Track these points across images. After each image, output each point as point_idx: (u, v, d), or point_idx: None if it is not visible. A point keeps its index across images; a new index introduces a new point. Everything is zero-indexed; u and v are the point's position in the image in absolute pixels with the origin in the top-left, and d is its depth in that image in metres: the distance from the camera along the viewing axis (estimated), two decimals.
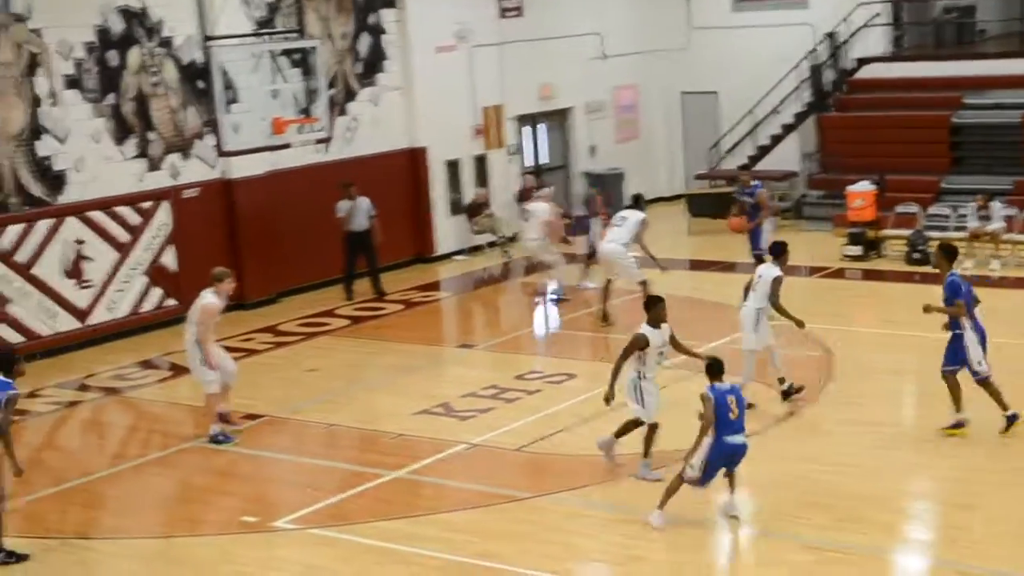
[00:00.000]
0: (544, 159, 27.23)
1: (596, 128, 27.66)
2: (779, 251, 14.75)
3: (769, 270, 14.59)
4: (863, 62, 26.78)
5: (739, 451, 11.49)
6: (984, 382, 13.30)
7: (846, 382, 15.32)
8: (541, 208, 20.87)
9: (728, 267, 22.00)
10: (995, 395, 13.31)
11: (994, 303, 18.98)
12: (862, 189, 22.45)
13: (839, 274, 20.98)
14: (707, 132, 28.52)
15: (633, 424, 12.89)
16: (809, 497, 11.99)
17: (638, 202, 19.08)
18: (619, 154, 27.97)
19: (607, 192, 27.14)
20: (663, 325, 12.64)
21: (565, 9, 26.67)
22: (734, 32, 28.03)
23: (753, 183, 20.98)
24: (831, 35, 26.56)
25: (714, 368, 11.60)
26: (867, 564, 10.75)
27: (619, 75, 27.95)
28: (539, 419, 14.62)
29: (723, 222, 22.40)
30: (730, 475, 11.66)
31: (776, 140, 27.11)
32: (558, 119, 27.32)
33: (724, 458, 11.49)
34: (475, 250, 24.41)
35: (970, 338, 13.25)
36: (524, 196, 25.24)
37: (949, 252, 13.57)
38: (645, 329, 12.57)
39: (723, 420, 11.35)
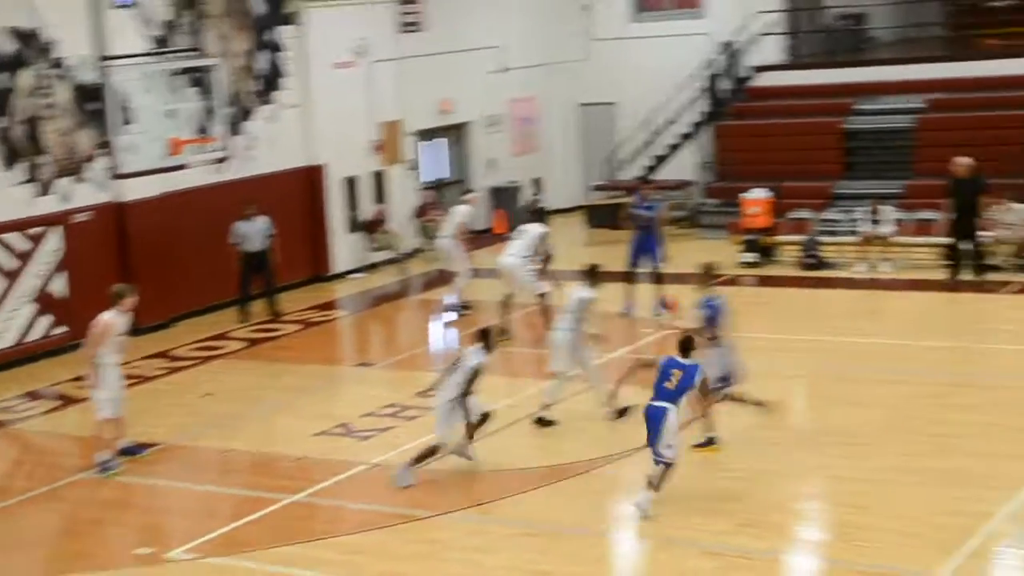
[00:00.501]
0: (443, 174, 27.17)
1: (494, 142, 27.67)
2: (594, 274, 14.83)
3: (581, 292, 14.56)
4: (759, 70, 27.09)
5: (653, 415, 11.82)
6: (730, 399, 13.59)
7: (743, 387, 15.36)
8: (461, 210, 20.65)
9: (624, 276, 22.03)
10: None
11: (885, 305, 19.42)
12: (757, 197, 22.69)
13: (735, 281, 21.17)
14: (605, 143, 28.67)
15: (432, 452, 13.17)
16: (708, 504, 12.04)
17: (538, 215, 19.06)
18: (518, 167, 28.00)
19: (504, 205, 27.34)
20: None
21: (464, 24, 26.66)
22: (632, 43, 28.23)
23: (655, 197, 20.53)
24: (728, 44, 26.84)
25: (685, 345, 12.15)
26: (767, 568, 10.83)
27: (518, 88, 28.01)
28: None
29: (621, 232, 22.44)
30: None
31: (673, 149, 27.32)
32: (456, 134, 27.29)
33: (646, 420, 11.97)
34: (373, 268, 24.25)
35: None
36: (422, 212, 25.20)
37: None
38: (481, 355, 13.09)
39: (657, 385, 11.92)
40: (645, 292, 19.40)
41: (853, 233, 21.74)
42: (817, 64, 27.59)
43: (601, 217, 25.78)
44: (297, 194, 23.37)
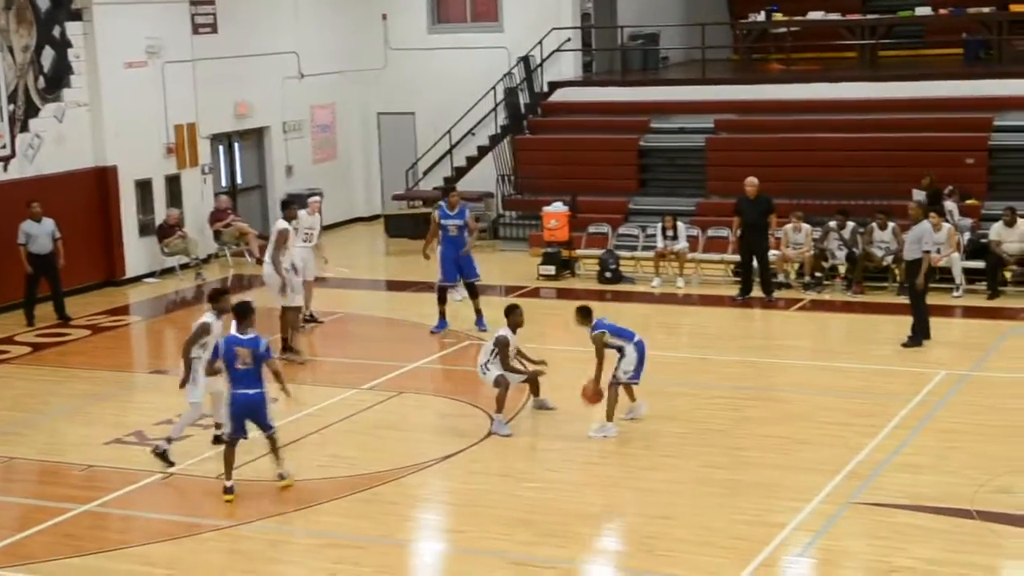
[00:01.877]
0: (240, 179, 26.69)
1: (293, 148, 27.32)
2: (216, 296, 13.67)
3: (203, 318, 13.66)
4: (555, 86, 27.47)
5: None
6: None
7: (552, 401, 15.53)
8: (300, 215, 18.56)
9: (426, 287, 22.04)
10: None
11: (681, 319, 19.89)
12: (556, 210, 22.98)
13: (535, 293, 21.40)
14: (404, 153, 28.64)
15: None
16: (512, 513, 12.11)
17: (283, 208, 18.28)
18: (317, 174, 27.72)
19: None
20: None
21: (260, 27, 26.26)
22: (430, 53, 28.30)
23: (461, 205, 18.98)
24: (525, 59, 27.12)
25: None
26: None
27: (316, 94, 27.74)
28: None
29: (420, 242, 22.40)
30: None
31: (472, 161, 27.46)
32: (254, 138, 26.85)
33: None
34: (167, 272, 23.63)
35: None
36: (218, 217, 24.70)
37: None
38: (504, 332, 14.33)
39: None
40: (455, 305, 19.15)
41: (649, 248, 22.19)
42: (613, 82, 28.12)
43: (400, 226, 25.74)
44: (86, 196, 22.64)
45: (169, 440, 13.63)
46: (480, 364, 14.63)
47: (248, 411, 12.64)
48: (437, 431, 14.91)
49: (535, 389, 14.89)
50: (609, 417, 14.15)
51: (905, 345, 17.30)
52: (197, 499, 12.94)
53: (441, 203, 19.20)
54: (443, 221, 18.74)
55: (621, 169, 25.30)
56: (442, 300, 18.74)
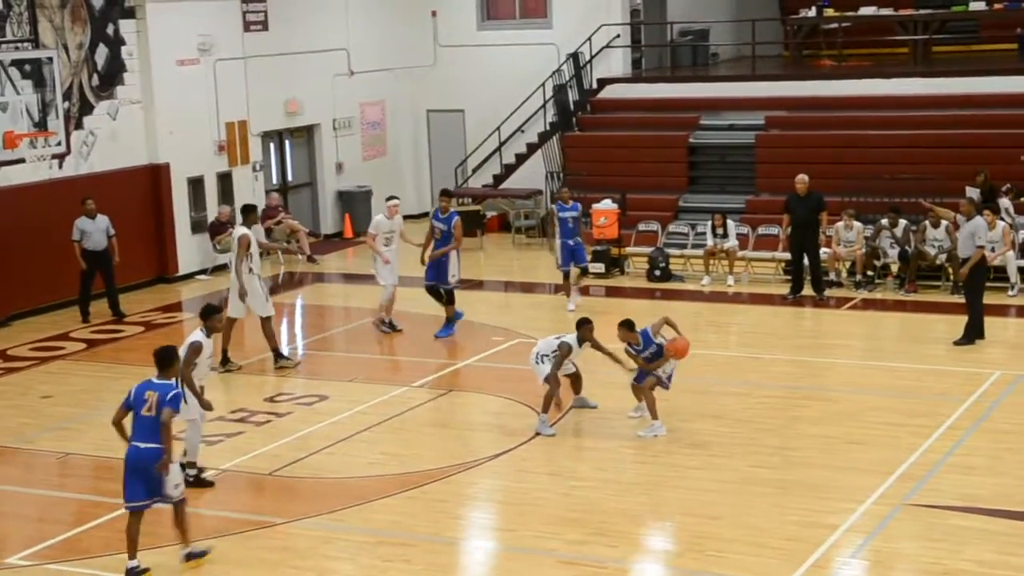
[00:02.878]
0: (290, 176, 26.84)
1: (343, 145, 27.44)
2: (208, 313, 13.29)
3: (192, 336, 13.06)
4: (604, 83, 27.41)
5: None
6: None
7: (592, 397, 15.45)
8: (377, 219, 18.98)
9: (476, 285, 22.15)
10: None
11: (730, 318, 19.81)
12: (606, 207, 22.95)
13: (583, 291, 21.35)
14: (454, 150, 28.67)
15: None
16: (562, 512, 12.11)
17: (243, 214, 17.90)
18: (367, 171, 27.83)
19: (355, 209, 27.12)
20: None
21: (311, 24, 26.38)
22: (480, 50, 28.31)
23: (452, 211, 18.83)
24: (574, 55, 27.09)
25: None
26: None
27: (366, 92, 27.83)
28: (290, 442, 14.32)
29: (470, 239, 22.47)
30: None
31: (521, 159, 27.46)
32: (304, 136, 26.98)
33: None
34: (219, 269, 23.80)
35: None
36: (269, 214, 24.84)
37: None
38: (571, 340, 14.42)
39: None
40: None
41: (699, 246, 22.11)
42: (662, 78, 28.03)
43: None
44: (140, 193, 22.85)
45: (193, 464, 12.96)
46: (536, 353, 14.59)
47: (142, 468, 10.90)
48: (486, 429, 14.95)
49: (577, 387, 14.89)
50: (654, 416, 14.12)
51: (957, 343, 17.15)
52: (249, 495, 13.06)
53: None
54: (435, 223, 18.74)
55: (670, 166, 25.24)
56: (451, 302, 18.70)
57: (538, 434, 14.25)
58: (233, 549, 11.59)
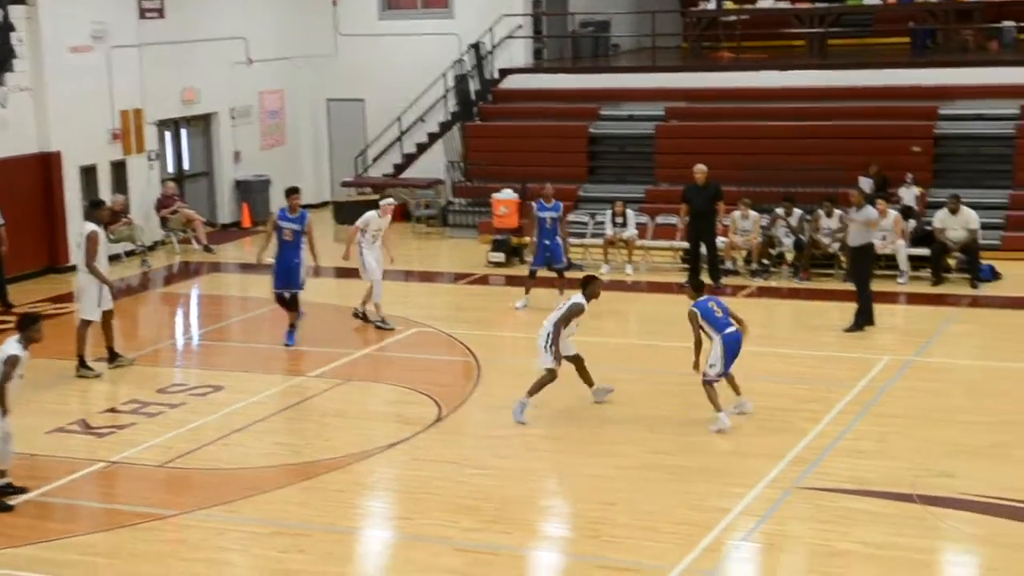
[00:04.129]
0: (187, 165, 26.48)
1: (241, 134, 27.14)
2: (27, 324, 12.55)
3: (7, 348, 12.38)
4: (506, 73, 27.43)
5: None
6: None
7: (491, 386, 15.57)
8: (369, 216, 18.51)
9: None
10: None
11: (629, 306, 19.92)
12: (506, 197, 22.95)
13: (484, 280, 21.37)
14: (354, 139, 28.53)
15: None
16: (458, 500, 12.09)
17: (91, 209, 17.12)
18: (265, 160, 27.56)
19: (253, 198, 26.84)
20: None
21: (208, 12, 26.04)
22: (381, 40, 28.19)
23: (303, 210, 17.57)
24: (475, 46, 27.07)
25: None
26: (514, 563, 10.96)
27: (265, 80, 27.56)
28: (183, 433, 14.13)
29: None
30: None
31: (422, 148, 27.39)
32: (202, 124, 26.64)
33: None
34: (113, 260, 23.35)
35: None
36: (164, 204, 24.50)
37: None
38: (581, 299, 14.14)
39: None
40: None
41: (598, 236, 22.22)
42: (563, 69, 28.12)
43: (350, 213, 25.52)
44: (30, 181, 22.40)
45: (3, 474, 12.45)
46: (545, 334, 14.11)
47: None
48: (383, 419, 14.88)
49: (584, 374, 14.63)
50: (717, 408, 13.76)
51: (848, 330, 17.44)
52: (141, 488, 12.83)
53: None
54: (283, 224, 17.34)
55: (571, 156, 25.34)
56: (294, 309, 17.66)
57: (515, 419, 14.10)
58: (125, 542, 11.42)
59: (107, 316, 16.60)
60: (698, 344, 13.90)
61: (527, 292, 19.35)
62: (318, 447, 13.70)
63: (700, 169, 20.51)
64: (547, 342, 14.13)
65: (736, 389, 14.17)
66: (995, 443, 13.24)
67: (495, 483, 12.53)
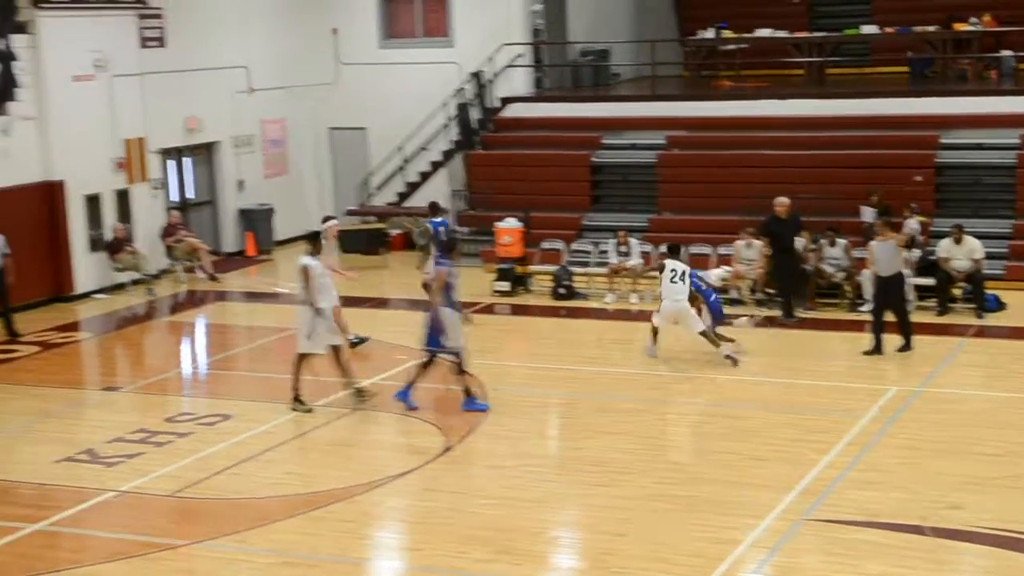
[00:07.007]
0: (190, 194, 26.54)
1: (244, 163, 27.21)
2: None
3: None
4: (507, 101, 27.53)
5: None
6: None
7: (498, 415, 15.56)
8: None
9: (380, 303, 22.09)
10: None
11: (632, 335, 19.92)
12: (510, 226, 23.01)
13: (489, 309, 21.38)
14: (357, 168, 28.59)
15: None
16: (467, 531, 12.08)
17: (307, 241, 16.61)
18: (268, 189, 27.62)
19: (256, 226, 26.88)
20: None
21: (209, 41, 26.13)
22: (382, 69, 28.28)
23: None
24: (476, 75, 27.17)
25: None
26: None
27: (267, 109, 27.64)
28: (192, 462, 14.13)
29: (374, 258, 22.35)
30: None
31: (425, 177, 27.46)
32: (205, 153, 26.70)
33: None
34: (117, 288, 23.43)
35: None
36: (169, 232, 24.54)
37: None
38: None
39: None
40: None
41: (602, 264, 22.26)
42: (564, 98, 28.23)
43: (354, 242, 25.61)
44: (35, 210, 22.44)
45: None
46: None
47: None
48: (392, 448, 14.89)
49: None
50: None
51: (900, 350, 17.64)
52: (150, 518, 12.82)
53: None
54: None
55: (574, 185, 25.41)
56: None
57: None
58: (135, 572, 11.40)
59: (335, 351, 16.10)
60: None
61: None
62: (327, 477, 13.69)
63: (781, 202, 20.20)
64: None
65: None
66: (1004, 474, 13.24)
67: (505, 513, 12.52)
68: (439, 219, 20.40)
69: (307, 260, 15.86)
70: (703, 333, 17.38)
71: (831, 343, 18.80)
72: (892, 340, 17.82)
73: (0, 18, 21.85)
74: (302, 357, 15.88)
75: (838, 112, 24.95)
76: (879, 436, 14.48)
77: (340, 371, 16.09)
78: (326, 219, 19.73)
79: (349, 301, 20.17)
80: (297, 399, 15.90)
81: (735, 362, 17.25)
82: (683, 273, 17.54)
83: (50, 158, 22.69)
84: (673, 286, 17.48)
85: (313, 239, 16.35)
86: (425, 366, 15.73)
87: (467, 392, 15.61)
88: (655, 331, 17.84)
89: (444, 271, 15.57)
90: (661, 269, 17.74)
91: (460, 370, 15.63)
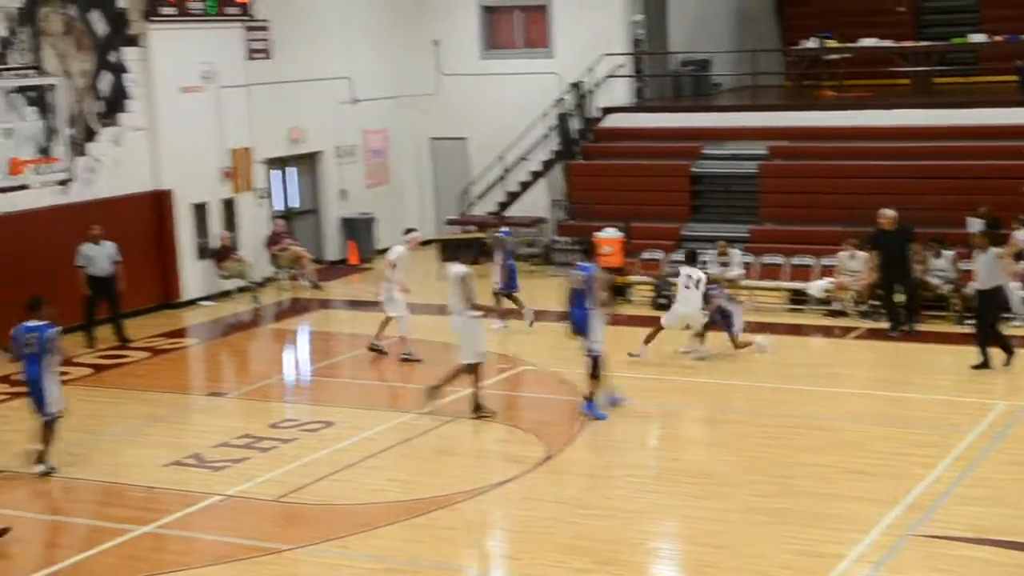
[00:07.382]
0: (294, 203, 26.91)
1: (347, 172, 27.53)
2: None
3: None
4: (607, 111, 27.53)
5: None
6: None
7: (598, 426, 15.55)
8: (397, 250, 19.09)
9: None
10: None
11: (730, 346, 19.77)
12: (610, 236, 22.98)
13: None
14: (458, 178, 28.77)
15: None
16: (568, 540, 12.09)
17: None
18: (370, 199, 27.90)
19: (359, 235, 27.18)
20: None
21: (313, 52, 26.50)
22: (483, 79, 28.43)
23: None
24: (576, 85, 27.21)
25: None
26: None
27: (369, 119, 27.93)
28: (296, 468, 14.32)
29: (475, 267, 22.32)
30: None
31: (525, 186, 27.55)
32: (308, 163, 27.07)
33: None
34: (223, 295, 23.84)
35: None
36: (274, 241, 24.91)
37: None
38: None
39: None
40: None
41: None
42: (665, 108, 28.14)
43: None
44: (144, 219, 22.92)
45: None
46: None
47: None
48: (492, 456, 14.97)
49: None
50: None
51: (1006, 364, 17.37)
52: (255, 522, 13.02)
53: None
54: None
55: (673, 195, 25.31)
56: None
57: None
58: (240, 575, 11.57)
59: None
60: None
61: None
62: (428, 484, 13.79)
63: (886, 214, 19.94)
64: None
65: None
66: None
67: (605, 524, 12.51)
68: (505, 229, 21.62)
69: (461, 268, 15.97)
70: (731, 337, 18.36)
71: (937, 356, 18.50)
72: (1000, 354, 17.51)
73: (112, 31, 22.38)
74: (471, 368, 15.86)
75: (945, 122, 24.55)
76: (987, 451, 14.22)
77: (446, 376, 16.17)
78: (408, 231, 20.04)
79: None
80: (479, 407, 15.87)
81: (763, 350, 18.24)
82: (698, 281, 17.99)
83: (159, 168, 23.16)
84: (687, 292, 18.03)
85: (465, 248, 17.49)
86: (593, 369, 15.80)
87: (590, 397, 15.64)
88: (655, 332, 18.44)
89: (593, 275, 15.75)
90: (678, 275, 18.52)
91: (595, 373, 15.63)
